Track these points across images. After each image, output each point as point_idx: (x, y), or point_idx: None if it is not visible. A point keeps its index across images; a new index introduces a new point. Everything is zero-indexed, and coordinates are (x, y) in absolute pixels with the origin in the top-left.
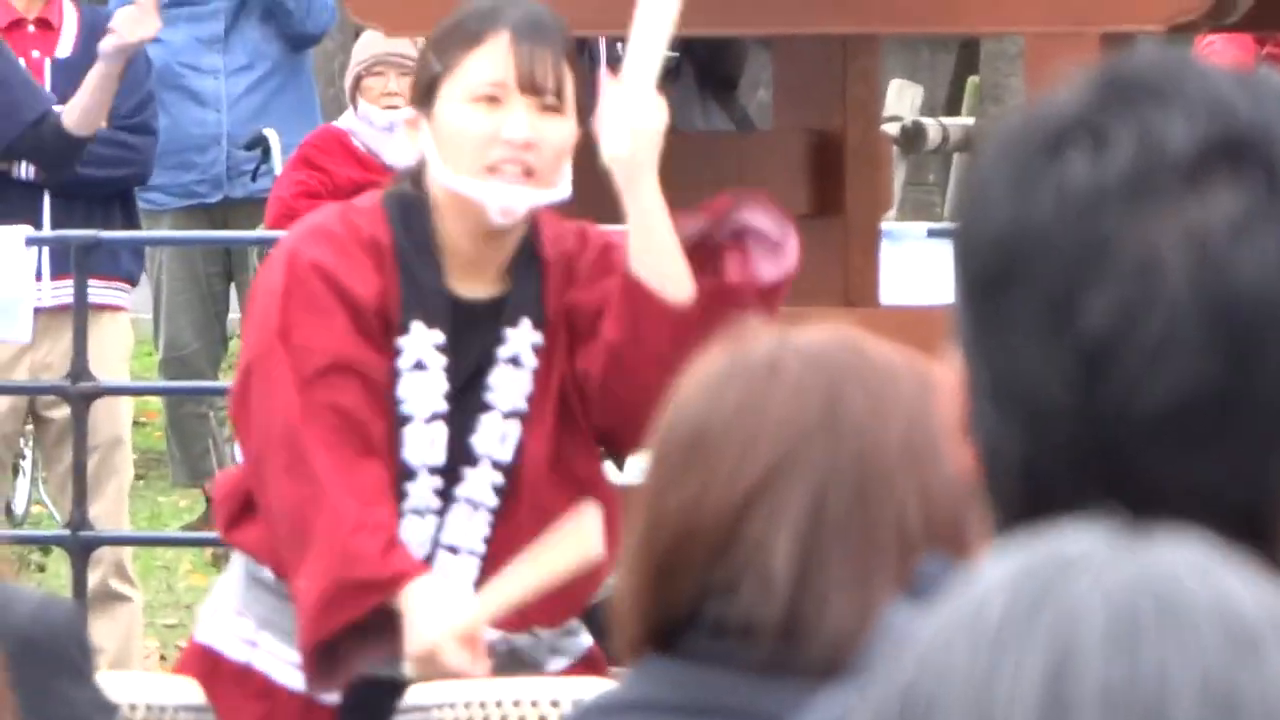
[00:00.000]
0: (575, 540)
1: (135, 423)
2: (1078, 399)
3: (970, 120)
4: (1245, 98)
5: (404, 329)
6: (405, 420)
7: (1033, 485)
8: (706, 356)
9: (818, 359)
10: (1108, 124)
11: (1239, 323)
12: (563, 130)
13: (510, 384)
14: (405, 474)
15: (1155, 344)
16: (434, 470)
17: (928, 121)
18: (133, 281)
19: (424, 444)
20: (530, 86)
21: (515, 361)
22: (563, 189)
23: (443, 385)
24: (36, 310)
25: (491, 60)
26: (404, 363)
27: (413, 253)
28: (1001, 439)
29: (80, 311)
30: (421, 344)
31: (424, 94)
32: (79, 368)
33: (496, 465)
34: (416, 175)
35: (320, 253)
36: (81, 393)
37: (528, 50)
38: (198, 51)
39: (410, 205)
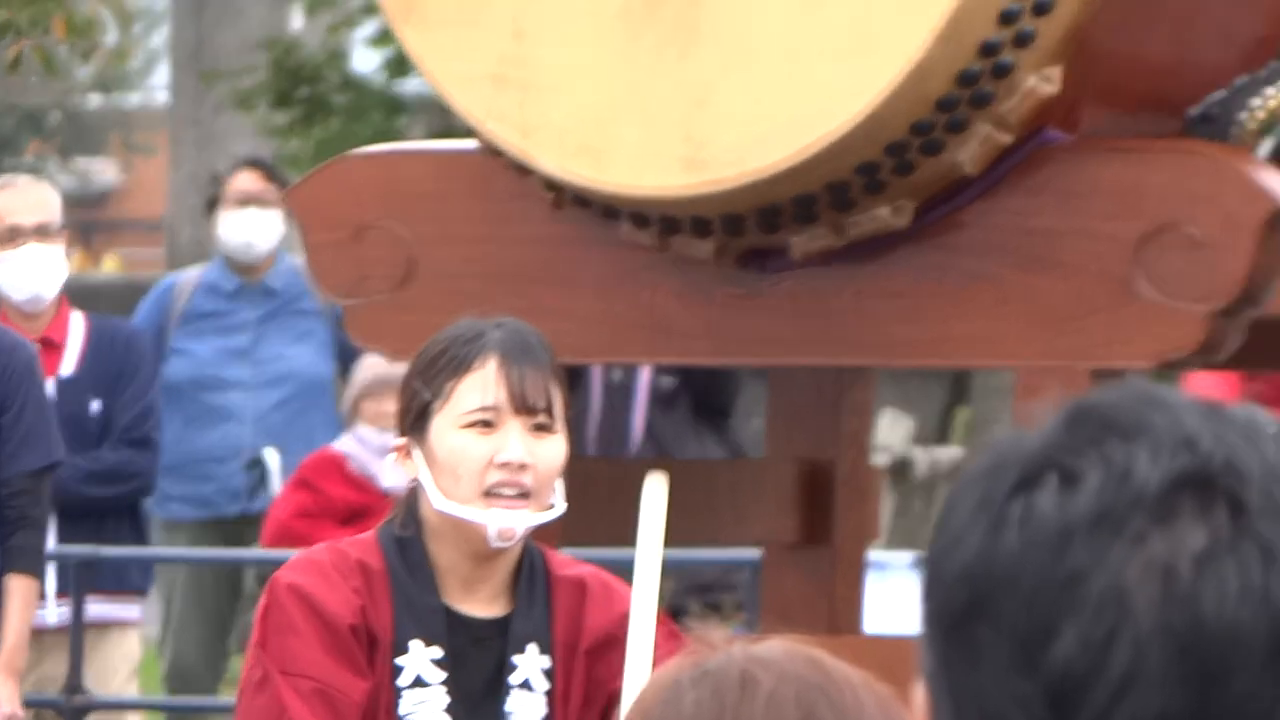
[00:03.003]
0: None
1: None
2: None
3: (959, 451)
4: (1210, 432)
5: (402, 649)
6: None
7: None
8: (670, 667)
9: (787, 674)
10: (1075, 461)
11: (1203, 654)
12: (556, 449)
13: (527, 707)
14: None
15: (1122, 677)
16: None
17: (918, 453)
18: (142, 593)
19: None
20: (523, 408)
21: (527, 686)
22: (557, 507)
23: (443, 699)
24: (46, 628)
25: (483, 386)
26: (404, 680)
27: (406, 575)
28: None
29: (77, 626)
30: (420, 660)
31: (415, 422)
32: (73, 682)
33: None
34: (410, 500)
35: (299, 577)
36: (74, 707)
37: (517, 372)
38: (224, 364)
39: (405, 531)
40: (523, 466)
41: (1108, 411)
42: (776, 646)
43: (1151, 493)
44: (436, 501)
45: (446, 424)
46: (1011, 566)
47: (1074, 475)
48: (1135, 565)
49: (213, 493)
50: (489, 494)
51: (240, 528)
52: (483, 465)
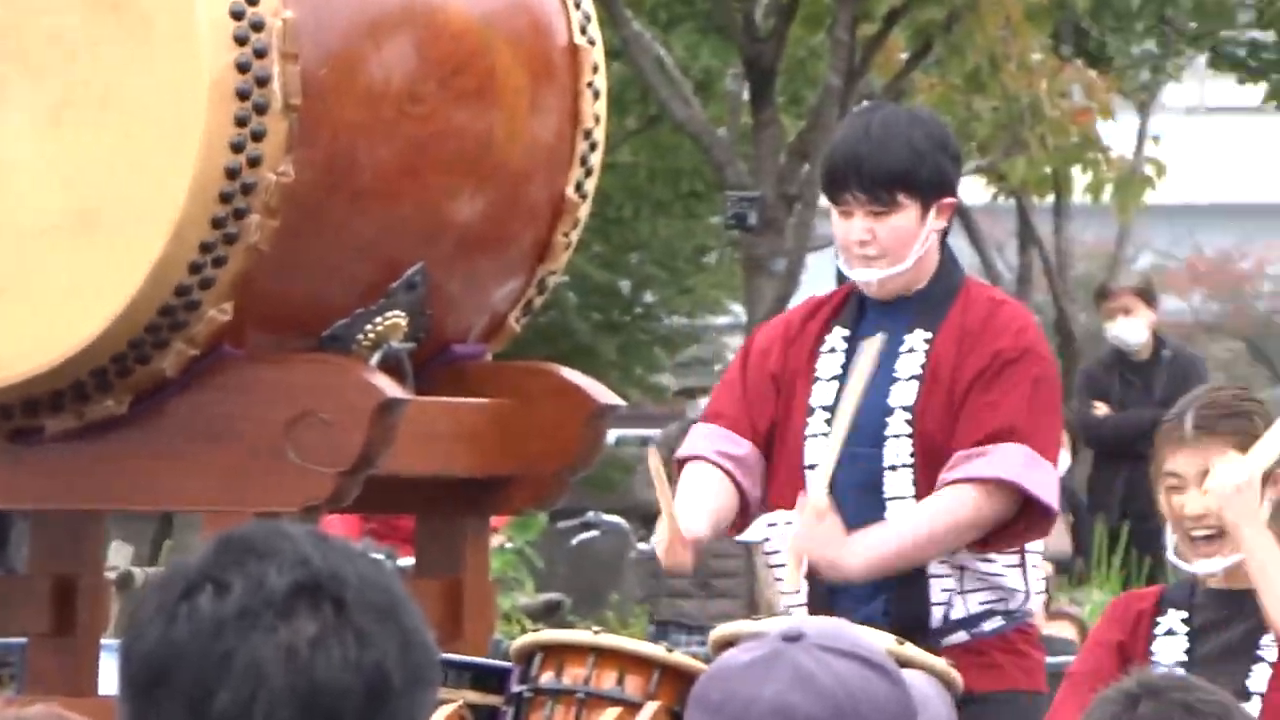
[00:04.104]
0: None
1: None
2: None
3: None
4: (319, 553)
5: None
6: None
7: None
8: None
9: None
10: (224, 574)
11: (318, 707)
12: None
13: None
14: None
15: None
16: None
17: (136, 571)
18: None
19: None
20: None
21: None
22: None
23: None
24: None
25: None
26: None
27: None
28: None
29: None
30: None
31: None
32: None
33: None
34: None
35: None
36: None
37: None
38: None
39: None
40: None
41: (248, 540)
42: (37, 707)
43: (279, 596)
44: None
45: None
46: (182, 649)
47: (224, 585)
48: (269, 646)
49: None
50: None
51: None
52: None
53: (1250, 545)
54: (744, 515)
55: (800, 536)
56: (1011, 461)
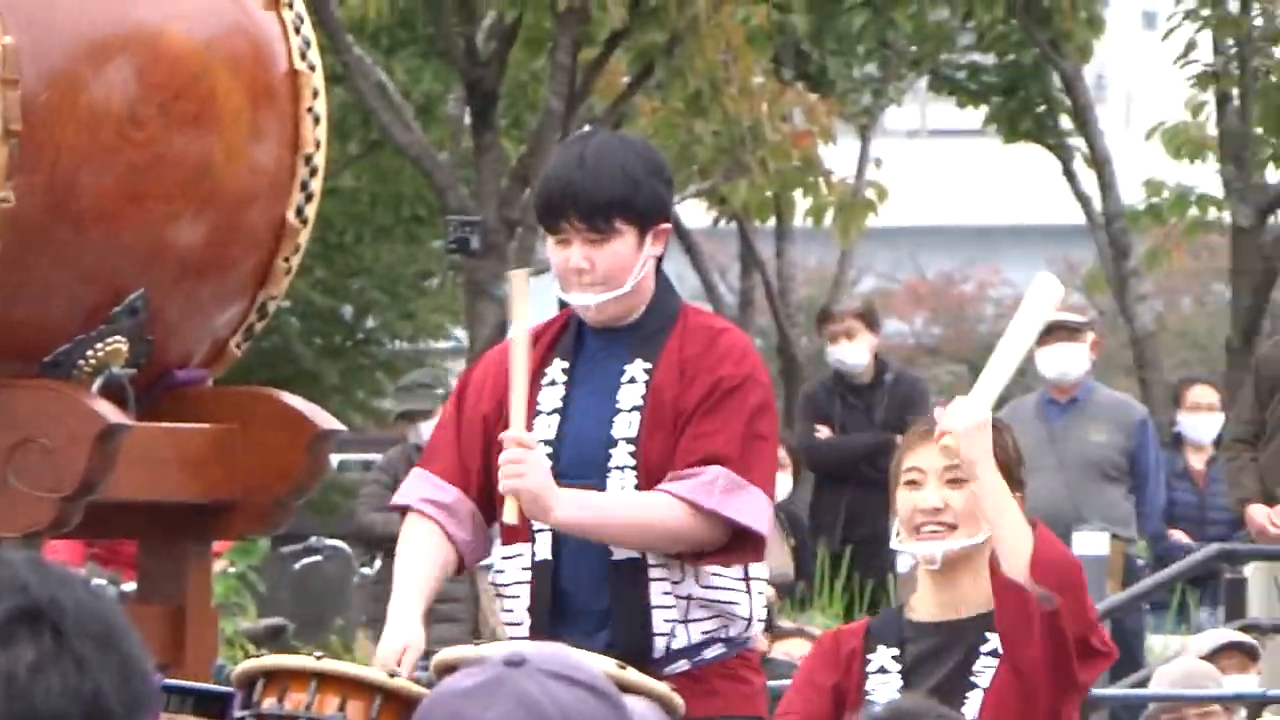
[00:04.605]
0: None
1: None
2: None
3: None
4: (38, 579)
5: None
6: None
7: None
8: None
9: None
10: None
11: None
12: None
13: None
14: None
15: None
16: None
17: None
18: None
19: None
20: None
21: None
22: None
23: None
24: None
25: None
26: None
27: None
28: None
29: None
30: None
31: None
32: None
33: None
34: None
35: None
36: None
37: None
38: None
39: None
40: None
41: None
42: None
43: None
44: None
45: None
46: None
47: None
48: None
49: None
50: None
51: None
52: None
53: (986, 483)
54: (460, 562)
55: (506, 471)
56: (713, 487)
